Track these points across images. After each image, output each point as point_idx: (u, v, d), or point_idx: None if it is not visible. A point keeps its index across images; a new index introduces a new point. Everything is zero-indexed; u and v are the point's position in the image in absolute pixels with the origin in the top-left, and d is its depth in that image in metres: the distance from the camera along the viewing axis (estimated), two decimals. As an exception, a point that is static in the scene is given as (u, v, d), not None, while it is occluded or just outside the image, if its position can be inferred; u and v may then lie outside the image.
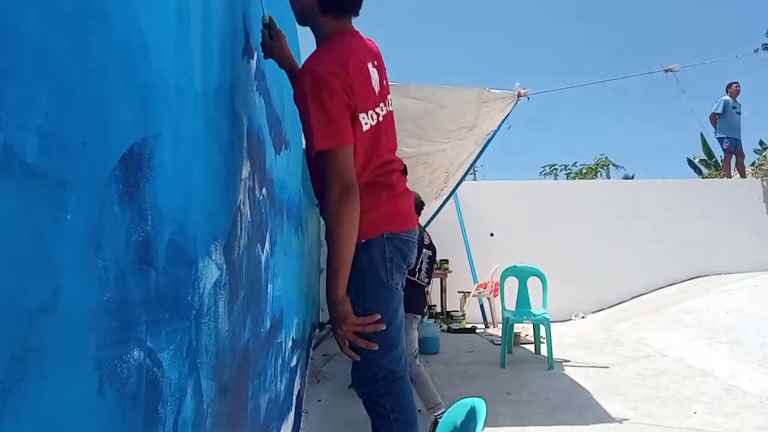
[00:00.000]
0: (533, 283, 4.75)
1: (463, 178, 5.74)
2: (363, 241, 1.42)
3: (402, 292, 1.53)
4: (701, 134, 14.13)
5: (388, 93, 1.56)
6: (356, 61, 1.39)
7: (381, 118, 1.46)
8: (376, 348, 1.39)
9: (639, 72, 4.19)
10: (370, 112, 1.41)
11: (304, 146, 1.53)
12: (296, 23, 1.51)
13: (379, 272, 1.43)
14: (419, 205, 2.91)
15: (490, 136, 4.46)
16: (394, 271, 1.46)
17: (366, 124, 1.40)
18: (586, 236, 7.70)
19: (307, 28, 1.51)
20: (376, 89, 1.46)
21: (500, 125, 4.16)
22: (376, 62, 1.49)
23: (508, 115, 3.98)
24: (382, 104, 1.48)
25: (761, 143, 11.34)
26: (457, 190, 6.08)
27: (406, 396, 1.49)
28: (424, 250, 3.13)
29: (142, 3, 0.57)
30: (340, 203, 1.33)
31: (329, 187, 1.33)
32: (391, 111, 1.58)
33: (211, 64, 0.86)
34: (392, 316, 1.47)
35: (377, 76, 1.48)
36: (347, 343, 1.40)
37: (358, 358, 1.42)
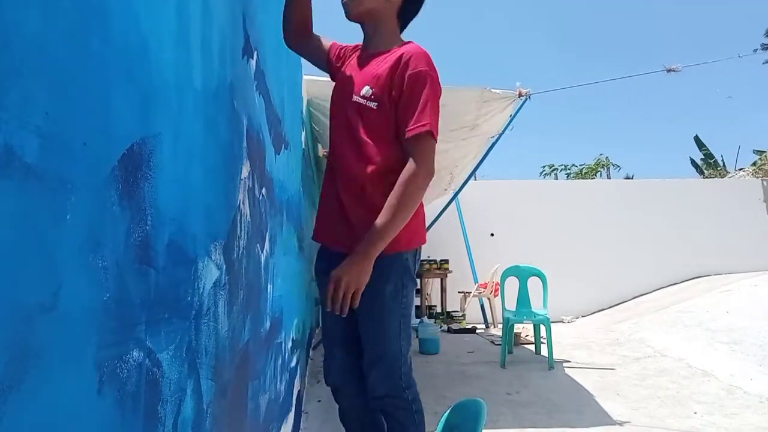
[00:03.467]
0: (534, 283, 4.75)
1: (467, 181, 5.73)
2: (400, 252, 1.48)
3: None
4: (696, 136, 14.19)
5: None
6: None
7: None
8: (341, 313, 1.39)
9: (640, 72, 4.18)
10: None
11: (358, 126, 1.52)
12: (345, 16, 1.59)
13: (412, 272, 1.53)
14: None
15: (494, 140, 4.45)
16: (417, 261, 1.57)
17: None
18: (586, 236, 7.70)
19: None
20: None
21: (505, 129, 4.16)
22: None
23: (513, 117, 3.97)
24: None
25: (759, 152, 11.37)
26: (459, 193, 6.09)
27: (416, 388, 1.56)
28: None
29: (142, 3, 0.57)
30: (424, 184, 1.40)
31: (420, 165, 1.39)
32: None
33: (211, 63, 0.86)
34: (412, 312, 1.57)
35: None
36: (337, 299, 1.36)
37: (335, 311, 1.38)
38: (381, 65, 1.48)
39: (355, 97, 1.49)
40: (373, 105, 1.46)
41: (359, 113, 1.48)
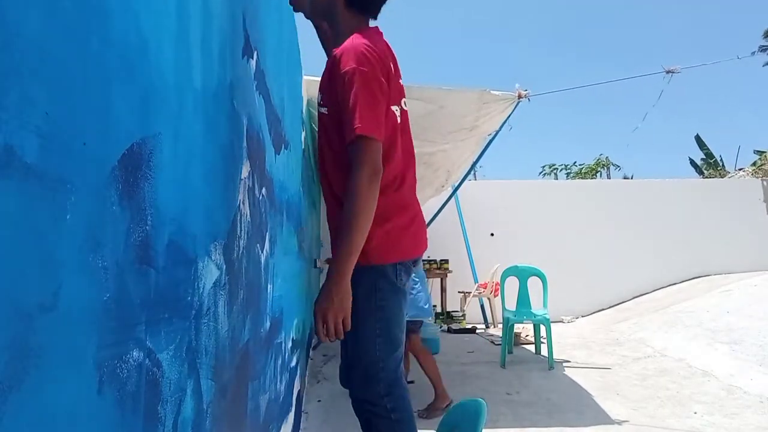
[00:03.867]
0: (534, 283, 4.75)
1: (465, 178, 5.73)
2: (373, 265, 1.39)
3: (407, 292, 1.53)
4: (697, 135, 14.21)
5: (404, 95, 1.58)
6: (390, 54, 1.46)
7: (400, 116, 1.48)
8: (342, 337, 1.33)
9: (640, 73, 4.20)
10: (395, 106, 1.44)
11: (316, 139, 1.53)
12: (305, 16, 1.57)
13: (390, 276, 1.43)
14: None
15: (491, 137, 4.47)
16: (402, 273, 1.46)
17: (397, 116, 1.44)
18: (586, 236, 7.70)
19: (310, 28, 1.56)
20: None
21: (501, 126, 4.17)
22: (394, 62, 1.54)
23: (509, 116, 3.98)
24: (403, 100, 1.52)
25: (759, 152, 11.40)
26: (457, 191, 6.09)
27: (404, 395, 1.49)
28: None
29: (142, 3, 0.57)
30: (369, 186, 1.29)
31: (359, 169, 1.29)
32: (407, 111, 1.58)
33: (211, 63, 0.86)
34: (399, 317, 1.47)
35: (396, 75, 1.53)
36: (327, 327, 1.31)
37: (331, 340, 1.34)
38: (326, 68, 1.46)
39: (318, 107, 1.50)
40: (324, 110, 1.45)
41: (320, 121, 1.48)
